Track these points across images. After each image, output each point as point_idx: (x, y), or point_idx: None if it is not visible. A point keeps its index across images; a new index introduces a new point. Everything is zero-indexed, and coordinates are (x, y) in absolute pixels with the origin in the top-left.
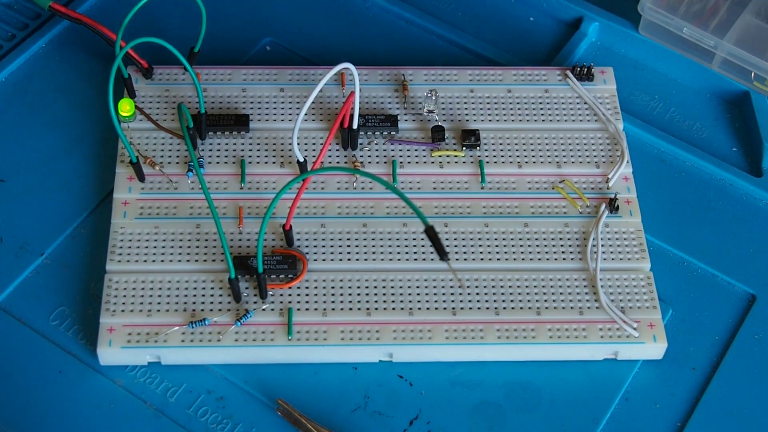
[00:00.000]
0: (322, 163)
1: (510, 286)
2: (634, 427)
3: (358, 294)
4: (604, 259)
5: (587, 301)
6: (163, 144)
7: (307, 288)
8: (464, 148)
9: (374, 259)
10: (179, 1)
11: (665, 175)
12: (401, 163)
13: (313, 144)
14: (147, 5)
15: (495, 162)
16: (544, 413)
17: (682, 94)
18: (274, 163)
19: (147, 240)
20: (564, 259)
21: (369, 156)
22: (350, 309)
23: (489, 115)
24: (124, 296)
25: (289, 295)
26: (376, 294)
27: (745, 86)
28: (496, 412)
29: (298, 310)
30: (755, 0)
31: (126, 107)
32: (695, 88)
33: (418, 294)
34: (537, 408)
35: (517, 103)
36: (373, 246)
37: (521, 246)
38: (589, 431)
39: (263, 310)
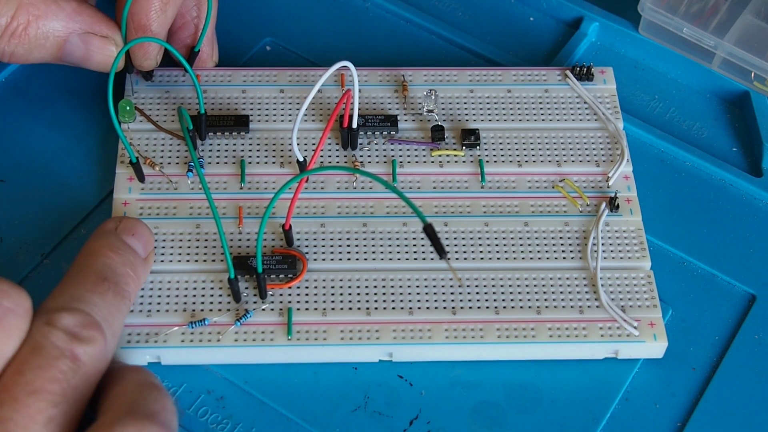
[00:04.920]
0: (321, 162)
1: (510, 285)
2: (634, 427)
3: (358, 294)
4: (605, 258)
5: (587, 300)
6: (163, 144)
7: (306, 288)
8: (464, 147)
9: (374, 259)
10: None
11: (665, 175)
12: (401, 162)
13: (313, 144)
14: None
15: (495, 161)
16: (544, 413)
17: (682, 94)
18: (273, 163)
19: None
20: (564, 258)
21: (369, 156)
22: (350, 309)
23: (489, 114)
24: None
25: (289, 295)
26: (375, 294)
27: (745, 86)
28: (496, 412)
29: (298, 310)
30: (755, 0)
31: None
32: (695, 88)
33: (418, 293)
34: (537, 408)
35: (517, 102)
36: (373, 245)
37: (521, 245)
38: (589, 431)
39: (263, 310)
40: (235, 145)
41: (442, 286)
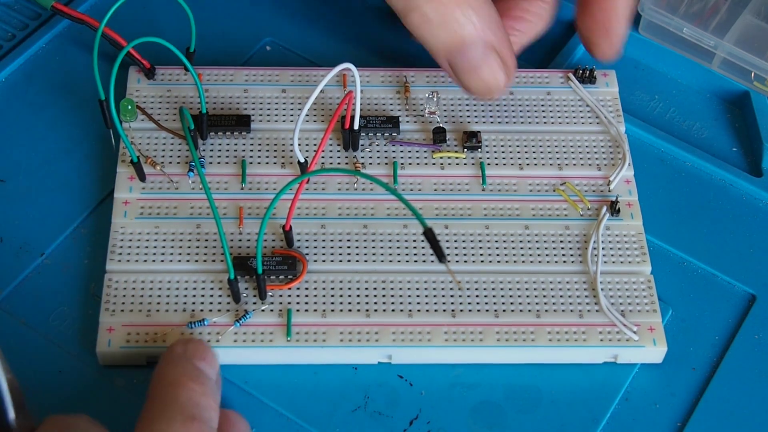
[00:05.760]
0: (323, 164)
1: (510, 289)
2: (634, 427)
3: (358, 295)
4: (605, 262)
5: (587, 304)
6: (164, 144)
7: (306, 289)
8: (465, 149)
9: (374, 261)
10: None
11: (665, 175)
12: (402, 164)
13: (315, 145)
14: (148, 7)
15: (496, 164)
16: (544, 413)
17: (682, 94)
18: (275, 163)
19: (147, 240)
20: (564, 261)
21: (370, 157)
22: (349, 310)
23: (490, 117)
24: (124, 296)
25: (289, 296)
26: (375, 296)
27: (745, 86)
28: (496, 412)
29: (298, 311)
30: (755, 0)
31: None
32: (695, 88)
33: (418, 296)
34: (537, 408)
35: (519, 105)
36: (373, 247)
37: (522, 248)
38: (590, 431)
39: (262, 310)
40: (236, 145)
41: (442, 289)
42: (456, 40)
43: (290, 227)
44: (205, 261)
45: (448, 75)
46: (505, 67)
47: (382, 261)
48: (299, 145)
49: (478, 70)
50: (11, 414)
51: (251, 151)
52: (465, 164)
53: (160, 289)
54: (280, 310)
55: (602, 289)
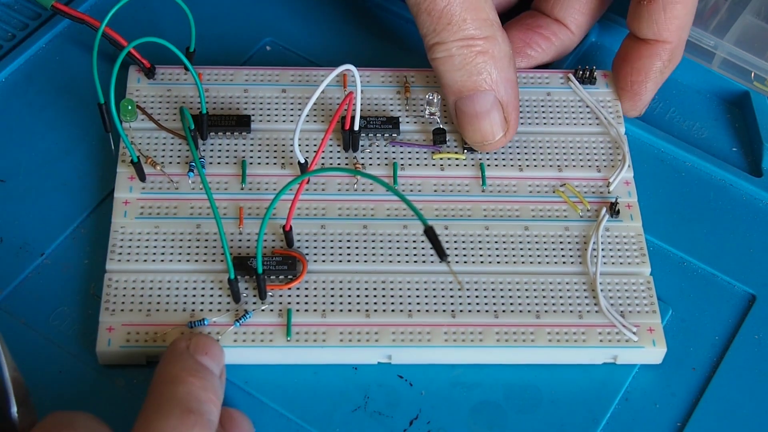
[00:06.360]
0: (322, 164)
1: (510, 289)
2: (634, 427)
3: (358, 295)
4: (604, 263)
5: (587, 305)
6: (164, 144)
7: (306, 289)
8: (465, 150)
9: (374, 261)
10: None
11: (665, 175)
12: (402, 165)
13: (315, 145)
14: (148, 7)
15: (496, 165)
16: (544, 413)
17: (682, 94)
18: (275, 164)
19: (147, 240)
20: (564, 262)
21: (370, 158)
22: (349, 310)
23: None
24: (124, 296)
25: (289, 296)
26: (375, 296)
27: (745, 86)
28: (496, 412)
29: (297, 311)
30: (755, 0)
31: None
32: (695, 88)
33: (418, 296)
34: (537, 408)
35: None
36: (373, 248)
37: (521, 249)
38: (590, 431)
39: (262, 310)
40: (236, 145)
41: (442, 289)
42: (469, 85)
43: (290, 227)
44: (205, 261)
45: (450, 116)
46: (507, 125)
47: (382, 261)
48: (299, 145)
49: (479, 120)
50: (14, 408)
51: (251, 151)
52: (465, 165)
53: (160, 288)
54: (280, 310)
55: (602, 290)
